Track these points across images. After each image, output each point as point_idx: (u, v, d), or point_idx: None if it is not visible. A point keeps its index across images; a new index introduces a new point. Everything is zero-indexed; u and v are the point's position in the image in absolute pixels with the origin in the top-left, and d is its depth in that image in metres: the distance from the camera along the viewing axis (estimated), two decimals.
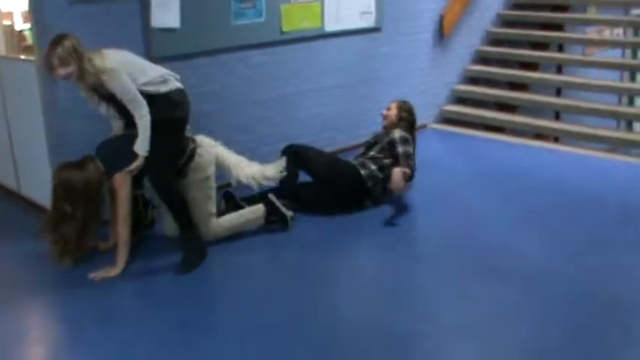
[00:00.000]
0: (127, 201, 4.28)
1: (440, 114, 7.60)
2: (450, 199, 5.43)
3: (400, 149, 5.20)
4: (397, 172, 5.02)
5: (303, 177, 5.29)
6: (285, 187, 5.14)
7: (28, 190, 5.40)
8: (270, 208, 4.86)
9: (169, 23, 5.15)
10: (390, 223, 5.01)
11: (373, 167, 5.22)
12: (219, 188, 4.70)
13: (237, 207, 4.91)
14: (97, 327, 3.75)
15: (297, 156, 5.20)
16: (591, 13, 8.55)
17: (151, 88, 4.25)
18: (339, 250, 4.68)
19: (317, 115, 6.32)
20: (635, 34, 8.32)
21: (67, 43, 4.06)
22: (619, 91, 7.95)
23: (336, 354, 3.49)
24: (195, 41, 5.33)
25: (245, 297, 4.09)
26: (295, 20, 5.94)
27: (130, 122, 4.35)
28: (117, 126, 4.52)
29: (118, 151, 4.32)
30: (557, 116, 8.10)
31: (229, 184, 4.92)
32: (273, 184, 5.00)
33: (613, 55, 8.69)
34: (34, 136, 5.02)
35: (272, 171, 4.92)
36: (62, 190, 4.27)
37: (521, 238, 4.75)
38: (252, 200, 4.99)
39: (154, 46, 5.06)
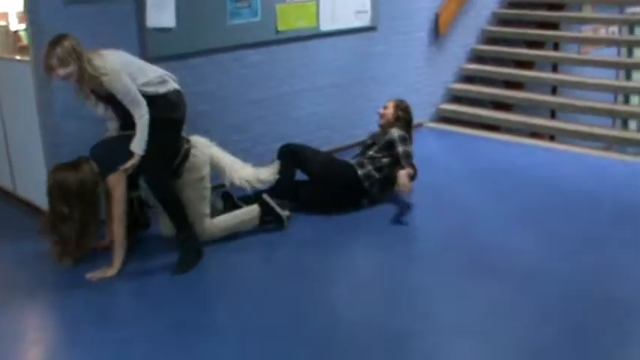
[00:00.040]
0: (121, 201, 4.28)
1: (436, 113, 7.61)
2: (446, 198, 5.44)
3: (400, 149, 5.22)
4: (403, 175, 5.05)
5: (301, 176, 5.29)
6: (282, 187, 5.14)
7: (24, 191, 5.39)
8: (265, 209, 4.86)
9: (165, 23, 5.15)
10: (397, 221, 5.03)
11: (370, 167, 5.22)
12: (212, 189, 4.70)
13: (235, 207, 4.91)
14: (94, 327, 3.75)
15: (293, 155, 5.20)
16: (587, 12, 8.55)
17: (151, 89, 4.25)
18: (336, 250, 4.69)
19: (312, 114, 6.32)
20: (631, 32, 8.35)
21: (67, 44, 4.05)
22: (614, 90, 7.95)
23: (335, 354, 3.49)
24: (191, 41, 5.33)
25: (242, 297, 4.09)
26: (291, 20, 5.94)
27: (126, 123, 4.36)
28: (112, 127, 4.52)
29: (112, 152, 4.32)
30: (552, 115, 8.11)
31: (223, 185, 4.93)
32: (266, 186, 4.99)
33: (608, 54, 8.70)
34: (29, 136, 5.01)
35: (266, 174, 4.92)
36: (57, 191, 4.27)
37: (516, 237, 4.76)
38: (249, 200, 4.99)
39: (149, 46, 5.06)
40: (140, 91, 4.18)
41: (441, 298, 4.04)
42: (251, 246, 4.72)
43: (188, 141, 4.52)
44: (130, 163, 4.23)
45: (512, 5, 8.17)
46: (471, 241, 4.70)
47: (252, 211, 4.82)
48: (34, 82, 4.79)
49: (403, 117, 5.48)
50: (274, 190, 5.08)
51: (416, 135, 5.54)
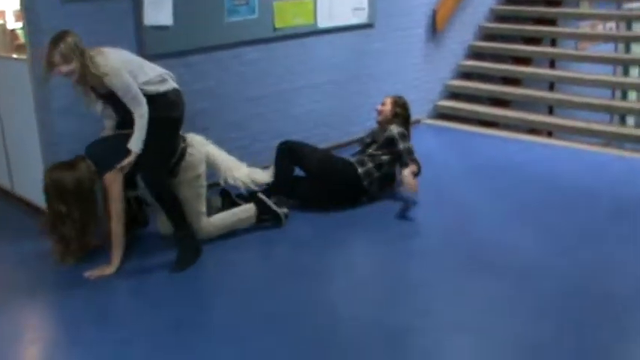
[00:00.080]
0: (118, 199, 4.28)
1: (433, 109, 7.61)
2: (444, 195, 5.44)
3: (401, 145, 5.23)
4: (408, 175, 5.07)
5: (299, 173, 5.30)
6: (280, 183, 5.15)
7: (22, 189, 5.39)
8: (261, 207, 4.86)
9: (162, 21, 5.14)
10: (402, 216, 5.05)
11: (370, 165, 5.23)
12: (209, 187, 4.70)
13: (233, 204, 4.90)
14: (93, 327, 3.75)
15: (291, 152, 5.20)
16: (584, 8, 8.56)
17: (151, 88, 4.24)
18: (334, 247, 4.69)
19: (310, 111, 6.32)
20: (628, 28, 8.35)
21: (70, 40, 4.02)
22: (612, 86, 7.97)
23: (334, 351, 3.50)
24: (189, 38, 5.33)
25: (241, 295, 4.09)
26: (288, 17, 5.94)
27: (123, 122, 4.36)
28: (109, 125, 4.52)
29: (108, 150, 4.32)
30: (550, 111, 8.11)
31: (218, 184, 4.93)
32: (260, 188, 4.98)
33: (606, 50, 8.71)
34: (27, 135, 5.01)
35: (261, 176, 4.92)
36: (54, 190, 4.27)
37: (514, 233, 4.77)
38: (247, 198, 4.99)
39: (147, 43, 5.05)
40: (141, 89, 4.17)
41: (439, 294, 4.04)
42: (249, 243, 4.72)
43: (184, 139, 4.52)
44: (127, 162, 4.22)
45: (509, 1, 8.17)
46: (469, 237, 4.70)
47: (249, 209, 4.83)
48: (32, 81, 4.79)
49: (401, 113, 5.49)
50: (272, 186, 5.09)
51: (414, 132, 5.54)
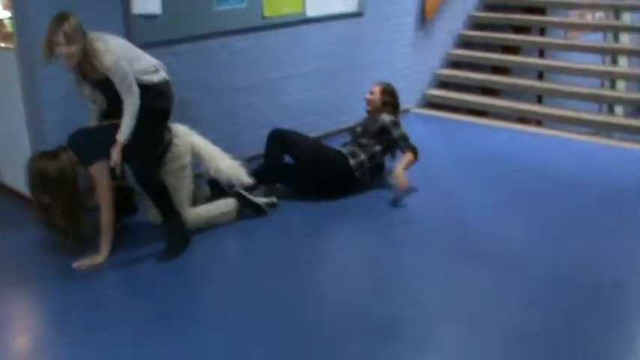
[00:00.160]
0: (106, 190, 4.26)
1: (423, 98, 7.61)
2: (433, 184, 5.45)
3: (395, 133, 5.24)
4: (399, 173, 5.07)
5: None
6: (271, 171, 5.15)
7: (9, 179, 5.35)
8: (241, 201, 4.84)
9: (150, 9, 5.11)
10: (393, 204, 5.05)
11: (363, 157, 5.23)
12: (197, 177, 4.68)
13: (222, 193, 4.87)
14: (81, 316, 3.74)
15: (282, 140, 5.19)
16: None
17: (146, 77, 4.22)
18: (324, 236, 4.70)
19: (299, 100, 6.31)
20: (617, 17, 8.35)
21: (73, 21, 3.95)
22: (601, 75, 7.98)
23: (324, 340, 3.50)
24: (177, 27, 5.29)
25: (230, 284, 4.09)
26: (277, 5, 5.91)
27: (109, 112, 4.33)
28: (93, 115, 4.47)
29: (90, 141, 4.28)
30: (539, 100, 8.13)
31: (200, 174, 4.90)
32: (238, 185, 4.92)
33: (595, 39, 8.72)
34: (14, 124, 4.98)
35: (244, 177, 4.85)
36: (38, 180, 4.24)
37: (503, 222, 4.78)
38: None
39: (134, 32, 5.01)
40: (136, 78, 4.13)
41: (429, 283, 4.05)
42: (239, 232, 4.71)
43: (170, 130, 4.50)
44: (116, 154, 4.18)
45: None
46: (459, 226, 4.71)
47: (230, 203, 4.79)
48: (19, 70, 4.75)
49: (390, 101, 5.48)
50: (262, 175, 5.08)
51: (403, 121, 5.54)
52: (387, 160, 5.44)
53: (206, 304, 3.92)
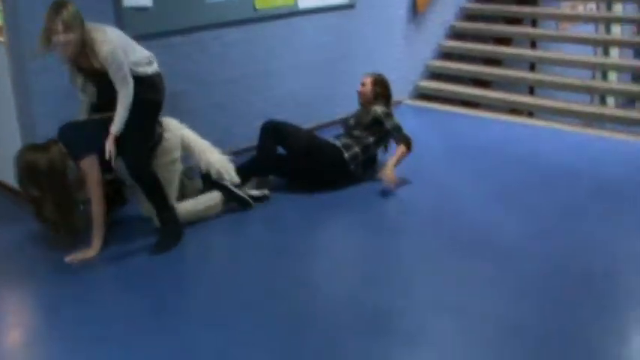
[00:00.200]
0: (97, 184, 4.24)
1: (415, 90, 7.61)
2: (425, 175, 5.45)
3: (388, 124, 5.25)
4: (388, 171, 5.07)
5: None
6: (264, 163, 5.16)
7: (0, 173, 5.33)
8: (226, 194, 4.82)
9: (142, 1, 5.09)
10: (387, 193, 5.06)
11: (357, 149, 5.22)
12: (190, 170, 4.67)
13: (214, 186, 4.86)
14: (72, 310, 3.73)
15: (276, 131, 5.18)
16: None
17: (140, 69, 4.21)
18: (317, 228, 4.70)
19: (292, 92, 6.30)
20: (608, 8, 8.36)
21: (71, 8, 3.91)
22: (592, 66, 7.98)
23: (316, 333, 3.50)
24: (169, 19, 5.28)
25: (222, 277, 4.09)
26: None
27: (99, 105, 4.31)
28: (83, 108, 4.45)
29: (80, 135, 4.26)
30: (531, 91, 8.14)
31: (190, 168, 4.89)
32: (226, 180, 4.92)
33: (586, 31, 8.73)
34: (5, 117, 4.95)
35: (232, 174, 4.83)
36: (27, 173, 4.22)
37: (495, 213, 4.79)
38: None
39: (126, 24, 4.98)
40: (130, 69, 4.12)
41: (420, 275, 4.06)
42: (231, 225, 4.71)
43: (160, 124, 4.49)
44: (109, 147, 4.16)
45: None
46: (451, 217, 4.72)
47: (215, 197, 4.77)
48: (9, 63, 4.73)
49: (381, 92, 5.48)
50: (255, 166, 5.08)
51: (395, 112, 5.54)
52: (380, 153, 5.44)
53: (198, 298, 3.91)
